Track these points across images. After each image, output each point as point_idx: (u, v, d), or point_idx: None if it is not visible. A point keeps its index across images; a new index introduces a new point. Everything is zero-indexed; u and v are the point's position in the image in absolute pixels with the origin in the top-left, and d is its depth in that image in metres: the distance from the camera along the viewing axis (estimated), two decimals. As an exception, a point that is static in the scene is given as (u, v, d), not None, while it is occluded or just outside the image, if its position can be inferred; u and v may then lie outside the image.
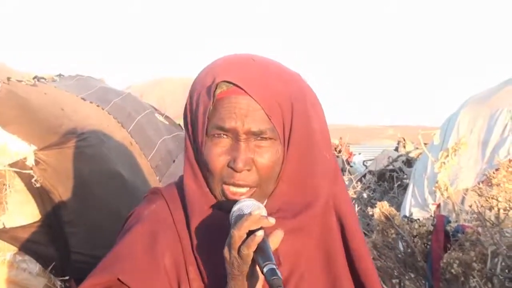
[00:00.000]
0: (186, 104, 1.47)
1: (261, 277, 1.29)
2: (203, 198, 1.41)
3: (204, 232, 1.39)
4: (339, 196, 1.48)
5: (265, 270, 1.24)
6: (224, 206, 1.40)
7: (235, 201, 1.37)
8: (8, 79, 3.30)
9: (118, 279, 1.36)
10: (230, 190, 1.39)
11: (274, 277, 1.22)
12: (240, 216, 1.30)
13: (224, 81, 1.39)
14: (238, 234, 1.26)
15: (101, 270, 1.40)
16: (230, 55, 1.49)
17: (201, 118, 1.39)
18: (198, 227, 1.39)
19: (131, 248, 1.40)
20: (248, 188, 1.38)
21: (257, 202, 1.36)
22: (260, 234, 1.25)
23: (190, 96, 1.45)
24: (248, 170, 1.37)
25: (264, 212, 1.31)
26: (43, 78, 3.76)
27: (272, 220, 1.28)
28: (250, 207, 1.33)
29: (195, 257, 1.38)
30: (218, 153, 1.38)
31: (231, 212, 1.34)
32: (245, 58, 1.45)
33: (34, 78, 3.60)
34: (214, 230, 1.38)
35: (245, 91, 1.38)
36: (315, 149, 1.44)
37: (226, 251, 1.28)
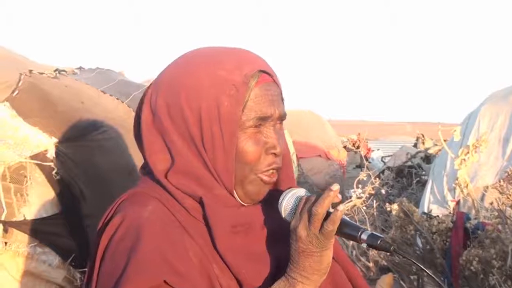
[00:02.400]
0: (174, 111, 1.38)
1: (331, 249, 1.33)
2: (215, 199, 1.39)
3: (224, 231, 1.37)
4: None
5: (364, 237, 1.29)
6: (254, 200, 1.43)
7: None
8: (30, 71, 3.32)
9: (165, 281, 1.28)
10: (265, 177, 1.41)
11: (380, 239, 1.28)
12: (308, 197, 1.34)
13: (255, 71, 1.39)
14: (322, 211, 1.29)
15: (134, 277, 1.28)
16: (210, 48, 1.46)
17: (230, 114, 1.36)
18: (218, 225, 1.37)
19: (157, 250, 1.31)
20: (277, 172, 1.43)
21: (300, 188, 1.40)
22: (342, 208, 1.29)
23: (190, 100, 1.37)
24: (281, 154, 1.42)
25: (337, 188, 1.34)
26: (64, 70, 3.77)
27: (340, 196, 1.32)
28: (303, 192, 1.38)
29: (218, 255, 1.36)
30: (255, 143, 1.39)
31: (283, 203, 1.37)
32: (232, 47, 1.46)
33: (55, 71, 3.61)
34: (235, 227, 1.38)
35: (272, 78, 1.41)
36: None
37: (302, 229, 1.31)
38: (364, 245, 1.31)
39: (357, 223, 1.36)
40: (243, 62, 1.40)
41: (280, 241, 1.37)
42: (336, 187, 1.31)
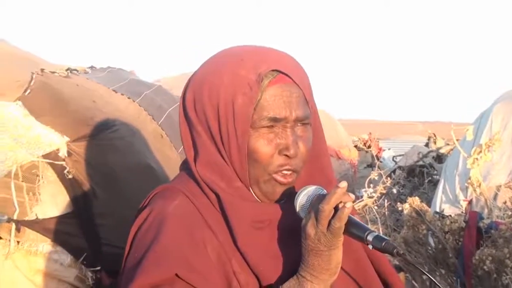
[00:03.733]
0: (198, 104, 1.42)
1: (341, 248, 1.32)
2: (237, 192, 1.41)
3: (245, 226, 1.38)
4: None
5: (370, 238, 1.28)
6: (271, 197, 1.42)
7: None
8: (42, 70, 3.33)
9: (176, 275, 1.31)
10: (280, 177, 1.40)
11: (384, 241, 1.27)
12: (321, 195, 1.33)
13: (270, 71, 1.38)
14: (328, 208, 1.28)
15: (149, 268, 1.33)
16: (243, 47, 1.47)
17: (243, 111, 1.37)
18: (238, 221, 1.38)
19: (174, 244, 1.35)
20: (295, 173, 1.42)
21: (317, 186, 1.39)
22: (349, 205, 1.28)
23: (211, 95, 1.40)
24: (296, 156, 1.40)
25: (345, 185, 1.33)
26: (75, 70, 3.78)
27: (352, 195, 1.32)
28: (319, 189, 1.37)
29: (238, 251, 1.37)
30: (267, 143, 1.39)
31: (297, 200, 1.37)
32: (267, 47, 1.46)
33: (67, 70, 3.62)
34: (256, 223, 1.38)
35: (291, 79, 1.39)
36: (320, 131, 1.50)
37: (310, 227, 1.30)
38: (370, 247, 1.29)
39: (368, 223, 1.35)
40: (262, 61, 1.40)
41: (299, 239, 1.36)
42: (343, 184, 1.31)
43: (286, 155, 1.39)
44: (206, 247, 1.36)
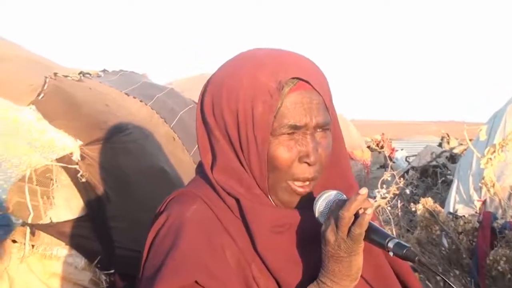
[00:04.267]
0: (216, 109, 1.41)
1: (361, 254, 1.31)
2: (256, 199, 1.40)
3: (264, 231, 1.37)
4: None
5: (391, 245, 1.27)
6: (288, 203, 1.41)
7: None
8: (55, 74, 3.35)
9: (196, 282, 1.31)
10: (299, 184, 1.40)
11: (406, 248, 1.26)
12: (341, 201, 1.32)
13: (290, 78, 1.37)
14: (348, 215, 1.27)
15: (168, 276, 1.32)
16: (262, 50, 1.46)
17: (263, 119, 1.36)
18: (258, 225, 1.37)
19: (193, 251, 1.34)
20: (313, 182, 1.41)
21: (337, 192, 1.38)
22: (370, 212, 1.27)
23: (230, 100, 1.39)
24: (316, 163, 1.39)
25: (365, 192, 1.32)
26: (88, 73, 3.80)
27: (372, 201, 1.30)
28: (338, 195, 1.36)
29: (258, 255, 1.37)
30: (287, 150, 1.38)
31: (316, 205, 1.36)
32: (286, 51, 1.45)
33: (79, 73, 3.64)
34: (275, 227, 1.38)
35: (310, 85, 1.38)
36: (340, 136, 1.49)
37: (330, 234, 1.30)
38: (391, 254, 1.28)
39: (384, 228, 1.34)
40: (282, 68, 1.38)
41: (319, 244, 1.35)
42: (363, 190, 1.29)
43: (306, 162, 1.38)
44: (225, 252, 1.35)
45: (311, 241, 1.38)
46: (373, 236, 1.30)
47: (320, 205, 1.36)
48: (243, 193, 1.39)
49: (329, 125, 1.41)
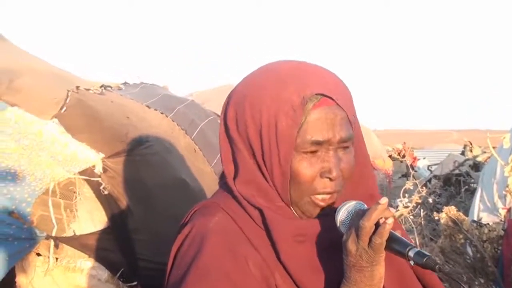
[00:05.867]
0: (240, 122, 1.41)
1: (383, 264, 1.31)
2: (278, 211, 1.40)
3: (287, 240, 1.37)
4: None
5: (411, 254, 1.27)
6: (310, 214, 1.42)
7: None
8: (77, 87, 3.38)
9: None
10: (321, 197, 1.39)
11: (426, 257, 1.25)
12: (362, 211, 1.32)
13: (315, 94, 1.36)
14: (368, 224, 1.27)
15: (192, 286, 1.33)
16: (286, 64, 1.46)
17: (286, 133, 1.36)
18: (280, 235, 1.37)
19: (216, 261, 1.35)
20: (336, 194, 1.40)
21: (357, 202, 1.38)
22: (391, 221, 1.27)
23: (253, 114, 1.39)
24: (338, 178, 1.39)
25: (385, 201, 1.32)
26: (109, 86, 3.83)
27: (393, 210, 1.30)
28: (359, 205, 1.36)
29: (282, 266, 1.37)
30: (309, 165, 1.37)
31: (338, 215, 1.36)
32: (310, 65, 1.45)
33: (101, 86, 3.67)
34: (298, 236, 1.38)
35: (334, 101, 1.38)
36: (364, 149, 1.48)
37: (351, 244, 1.30)
38: (411, 263, 1.28)
39: (408, 236, 1.33)
40: (306, 83, 1.38)
41: (341, 253, 1.35)
42: (384, 200, 1.29)
43: (329, 178, 1.38)
44: (248, 262, 1.36)
45: (333, 250, 1.38)
46: (394, 245, 1.29)
47: (341, 215, 1.36)
48: (265, 204, 1.40)
49: (352, 140, 1.40)
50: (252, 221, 1.41)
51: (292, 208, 1.42)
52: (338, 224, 1.36)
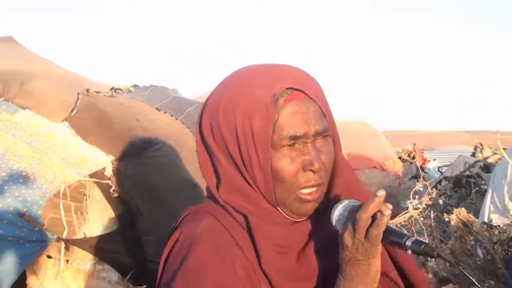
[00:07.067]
0: (215, 130, 1.41)
1: (379, 257, 1.31)
2: (264, 214, 1.40)
3: (269, 250, 1.38)
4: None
5: (409, 243, 1.27)
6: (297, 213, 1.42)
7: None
8: (87, 90, 3.39)
9: None
10: (307, 191, 1.39)
11: (424, 244, 1.26)
12: (357, 207, 1.32)
13: (285, 89, 1.37)
14: (365, 216, 1.27)
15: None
16: (253, 66, 1.47)
17: (262, 132, 1.36)
18: (262, 242, 1.38)
19: (204, 264, 1.36)
20: (321, 187, 1.41)
21: (350, 200, 1.38)
22: (388, 213, 1.27)
23: (227, 119, 1.39)
24: (320, 170, 1.39)
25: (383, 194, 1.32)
26: (119, 89, 3.85)
27: (389, 205, 1.30)
28: (354, 202, 1.36)
29: (267, 269, 1.37)
30: (290, 161, 1.38)
31: (333, 214, 1.36)
32: (279, 65, 1.46)
33: (111, 89, 3.69)
34: (279, 247, 1.38)
35: (305, 94, 1.38)
36: (339, 141, 1.49)
37: (348, 237, 1.30)
38: (409, 252, 1.28)
39: (414, 235, 1.33)
40: (275, 80, 1.39)
41: (331, 256, 1.35)
42: (381, 193, 1.30)
43: (311, 170, 1.38)
44: (235, 265, 1.36)
45: (321, 255, 1.39)
46: (391, 236, 1.29)
47: (337, 214, 1.36)
48: (251, 209, 1.40)
49: (328, 131, 1.41)
50: (239, 225, 1.41)
51: (280, 209, 1.42)
52: (334, 222, 1.36)
